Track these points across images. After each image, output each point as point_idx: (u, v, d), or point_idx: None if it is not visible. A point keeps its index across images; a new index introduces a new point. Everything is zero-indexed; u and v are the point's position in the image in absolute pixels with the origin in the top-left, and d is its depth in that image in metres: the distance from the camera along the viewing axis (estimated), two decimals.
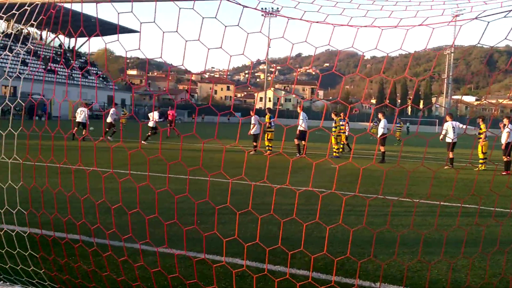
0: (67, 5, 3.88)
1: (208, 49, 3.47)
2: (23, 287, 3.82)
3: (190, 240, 5.30)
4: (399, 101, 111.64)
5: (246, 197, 8.09)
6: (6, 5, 3.94)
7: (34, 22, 3.97)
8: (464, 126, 15.64)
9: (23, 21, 3.99)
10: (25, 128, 3.81)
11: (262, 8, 78.90)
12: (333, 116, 19.03)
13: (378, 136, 17.63)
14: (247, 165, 13.96)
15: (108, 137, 21.28)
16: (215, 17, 3.14)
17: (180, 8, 3.49)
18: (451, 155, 15.16)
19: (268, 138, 18.40)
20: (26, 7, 3.86)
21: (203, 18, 3.23)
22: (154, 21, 3.38)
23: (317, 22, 3.32)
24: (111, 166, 9.81)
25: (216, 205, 6.05)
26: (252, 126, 18.11)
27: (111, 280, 3.96)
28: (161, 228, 5.67)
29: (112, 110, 22.34)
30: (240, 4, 3.09)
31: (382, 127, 17.35)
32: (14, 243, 4.01)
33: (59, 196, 5.92)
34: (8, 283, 3.89)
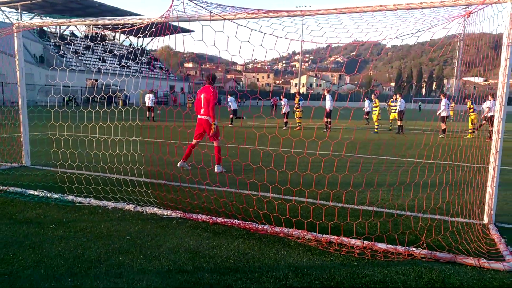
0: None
1: (254, 46, 4.71)
2: (136, 204, 5.32)
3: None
4: (415, 83, 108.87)
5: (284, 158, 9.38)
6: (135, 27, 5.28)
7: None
8: (453, 104, 16.32)
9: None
10: (110, 113, 5.21)
11: (296, 6, 78.68)
12: (373, 97, 19.96)
13: (397, 111, 18.44)
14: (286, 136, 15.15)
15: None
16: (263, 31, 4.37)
17: (238, 25, 4.74)
18: (443, 126, 15.82)
19: (298, 116, 19.52)
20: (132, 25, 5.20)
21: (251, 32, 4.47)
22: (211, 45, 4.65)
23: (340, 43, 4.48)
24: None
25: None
26: (282, 106, 19.31)
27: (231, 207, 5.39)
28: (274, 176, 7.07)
29: (148, 96, 22.62)
30: (280, 37, 4.30)
31: (399, 105, 18.29)
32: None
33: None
34: (127, 202, 5.41)
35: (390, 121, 20.04)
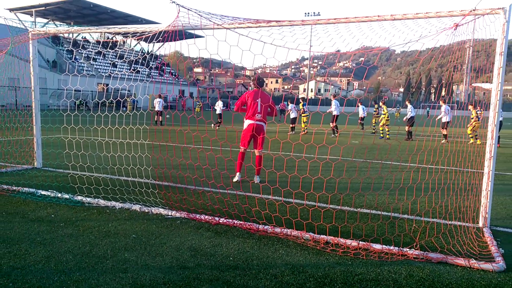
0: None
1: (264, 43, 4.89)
2: (142, 204, 5.52)
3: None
4: (424, 89, 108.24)
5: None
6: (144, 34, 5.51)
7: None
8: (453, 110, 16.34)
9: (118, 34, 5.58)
10: (118, 117, 5.40)
11: (305, 13, 79.41)
12: (381, 104, 19.88)
13: (406, 118, 18.20)
14: (292, 141, 15.35)
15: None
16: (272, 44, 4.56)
17: (240, 35, 4.93)
18: (444, 132, 15.82)
19: (304, 121, 19.69)
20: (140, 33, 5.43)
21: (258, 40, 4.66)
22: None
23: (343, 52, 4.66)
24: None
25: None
26: (288, 111, 19.53)
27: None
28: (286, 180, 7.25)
29: (157, 100, 22.87)
30: (284, 47, 4.49)
31: (409, 111, 18.02)
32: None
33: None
34: (134, 202, 5.61)
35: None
